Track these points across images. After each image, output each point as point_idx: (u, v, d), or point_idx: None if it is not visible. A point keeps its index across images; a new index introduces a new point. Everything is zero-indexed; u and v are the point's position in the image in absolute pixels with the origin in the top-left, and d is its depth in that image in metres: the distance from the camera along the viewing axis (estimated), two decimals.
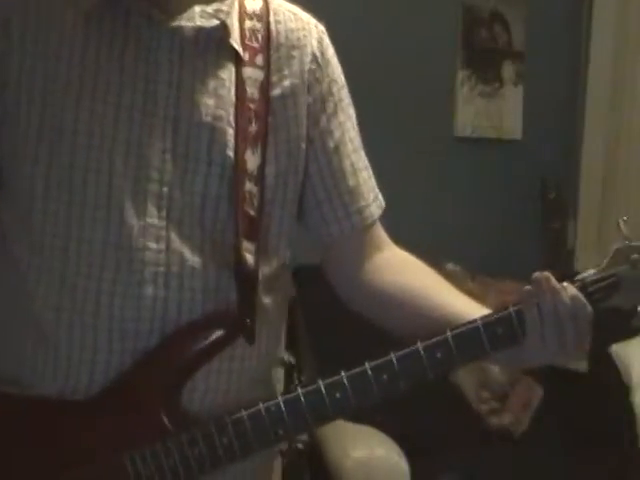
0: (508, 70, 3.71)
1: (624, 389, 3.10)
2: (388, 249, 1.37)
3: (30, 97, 1.18)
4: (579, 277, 1.22)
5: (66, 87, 1.18)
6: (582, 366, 3.23)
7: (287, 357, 2.70)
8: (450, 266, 3.22)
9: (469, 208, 3.61)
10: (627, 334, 3.10)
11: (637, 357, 3.12)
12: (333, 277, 1.36)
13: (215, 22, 1.21)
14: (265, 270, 1.24)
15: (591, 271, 1.22)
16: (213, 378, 1.20)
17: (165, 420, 1.16)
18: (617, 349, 3.18)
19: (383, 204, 1.38)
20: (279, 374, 2.46)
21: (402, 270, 1.34)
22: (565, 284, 1.20)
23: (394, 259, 1.36)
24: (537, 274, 1.20)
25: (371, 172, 1.37)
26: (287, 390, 1.18)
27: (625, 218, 1.22)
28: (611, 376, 3.15)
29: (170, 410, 1.16)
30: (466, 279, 3.22)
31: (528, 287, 1.19)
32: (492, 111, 3.69)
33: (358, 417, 2.66)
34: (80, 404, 1.17)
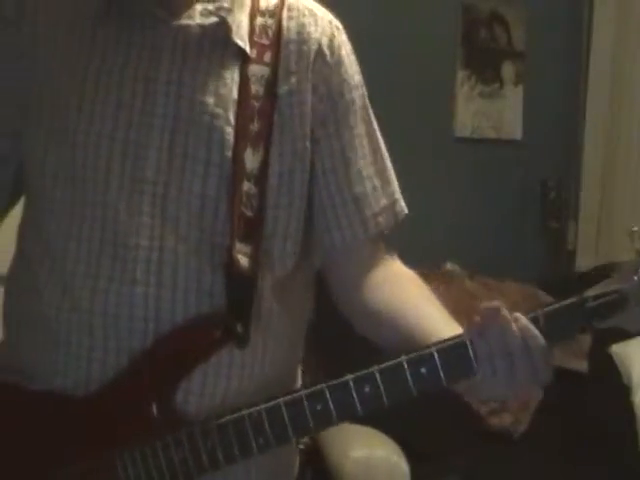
0: (508, 70, 3.71)
1: (624, 389, 3.10)
2: (389, 264, 1.31)
3: (40, 98, 1.21)
4: (584, 295, 1.12)
5: (71, 89, 1.19)
6: (582, 366, 3.23)
7: None
8: (449, 266, 3.22)
9: (469, 208, 3.61)
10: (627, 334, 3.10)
11: (637, 357, 3.12)
12: (333, 290, 1.32)
13: (214, 19, 1.21)
14: (269, 276, 1.21)
15: (596, 286, 1.13)
16: (210, 382, 1.18)
17: (156, 421, 1.16)
18: (617, 349, 3.18)
19: (401, 213, 1.31)
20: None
21: (399, 291, 1.28)
22: (517, 315, 1.12)
23: (393, 277, 1.30)
24: (486, 304, 1.13)
25: (390, 177, 1.31)
26: (269, 397, 1.15)
27: (636, 228, 1.13)
28: (611, 376, 3.15)
29: (162, 411, 1.16)
30: (464, 279, 3.22)
31: (477, 318, 1.13)
32: (492, 111, 3.69)
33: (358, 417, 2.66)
34: (76, 401, 1.18)
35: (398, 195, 1.32)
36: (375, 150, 1.30)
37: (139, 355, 1.17)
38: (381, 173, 1.30)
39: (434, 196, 3.55)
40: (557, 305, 1.13)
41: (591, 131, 3.79)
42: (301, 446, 2.82)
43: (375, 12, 3.37)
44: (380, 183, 1.29)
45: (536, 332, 1.11)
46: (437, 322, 1.22)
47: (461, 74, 3.62)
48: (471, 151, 3.65)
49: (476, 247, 3.53)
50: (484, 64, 3.67)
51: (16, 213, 1.32)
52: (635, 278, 1.11)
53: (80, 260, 1.18)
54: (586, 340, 3.24)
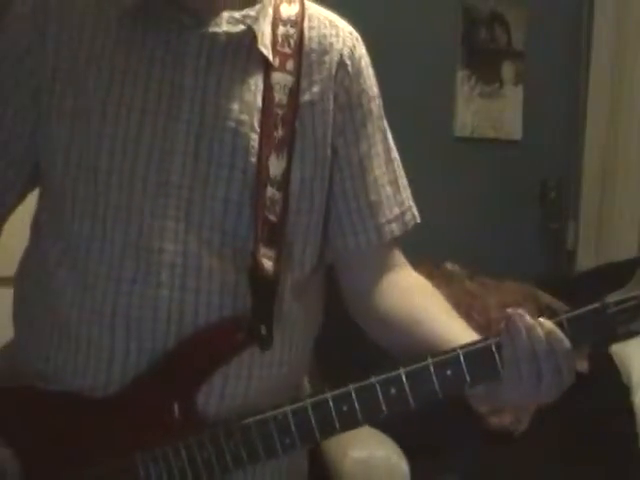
0: (508, 70, 3.71)
1: (624, 389, 3.10)
2: (401, 271, 1.34)
3: (62, 100, 1.21)
4: (605, 301, 1.15)
5: (94, 90, 1.20)
6: (582, 366, 3.23)
7: None
8: (449, 265, 3.22)
9: (469, 208, 3.61)
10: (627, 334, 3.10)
11: (637, 357, 3.12)
12: (345, 295, 1.34)
13: (241, 27, 1.22)
14: (289, 278, 1.23)
15: (617, 292, 1.17)
16: (231, 383, 1.19)
17: (178, 422, 1.16)
18: (617, 349, 3.18)
19: (413, 221, 1.34)
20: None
21: (410, 297, 1.30)
22: (541, 320, 1.15)
23: (405, 283, 1.33)
24: (510, 311, 1.15)
25: (402, 186, 1.34)
26: (294, 399, 1.17)
27: None
28: (611, 376, 3.15)
29: (184, 412, 1.17)
30: (464, 278, 3.22)
31: (502, 325, 1.16)
32: (492, 111, 3.69)
33: None
34: (96, 402, 1.19)
35: (410, 203, 1.35)
36: (389, 159, 1.33)
37: (161, 357, 1.17)
38: (395, 182, 1.33)
39: (434, 196, 3.55)
40: (579, 311, 1.16)
41: (591, 131, 3.79)
42: None
43: (375, 12, 3.37)
44: (393, 191, 1.32)
45: (562, 336, 1.14)
46: (450, 327, 1.24)
47: (461, 74, 3.62)
48: (471, 151, 3.65)
49: (476, 247, 3.53)
50: (484, 64, 3.67)
51: (21, 217, 1.32)
52: None
53: (103, 261, 1.19)
54: None
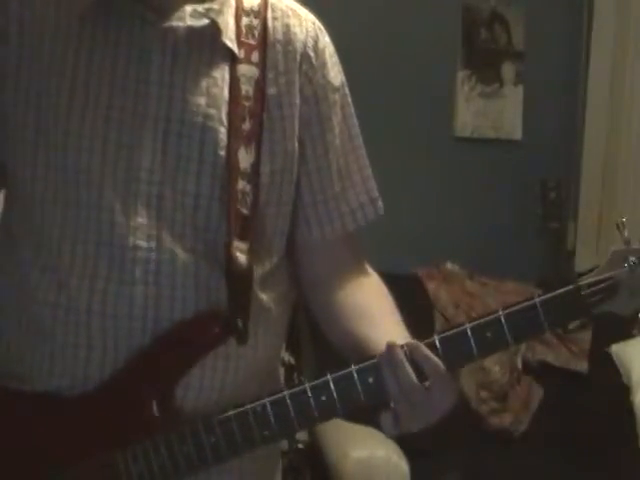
0: (508, 70, 3.71)
1: (624, 389, 3.10)
2: (360, 266, 1.34)
3: (26, 99, 1.20)
4: (579, 283, 1.17)
5: (59, 89, 1.19)
6: (582, 366, 3.23)
7: (287, 358, 2.70)
8: (449, 265, 3.22)
9: (469, 208, 3.62)
10: (627, 334, 3.10)
11: (637, 357, 3.13)
12: (304, 284, 1.34)
13: (205, 21, 1.21)
14: (260, 269, 1.24)
15: (589, 274, 1.18)
16: (208, 376, 1.20)
17: (157, 418, 1.17)
18: (617, 349, 3.18)
19: (377, 212, 1.34)
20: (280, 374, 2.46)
21: (367, 295, 1.32)
22: (411, 342, 1.16)
23: (362, 283, 1.33)
24: (387, 346, 1.16)
25: (368, 176, 1.34)
26: (274, 391, 1.17)
27: (624, 219, 1.17)
28: (611, 376, 3.15)
29: (163, 408, 1.17)
30: (464, 278, 3.22)
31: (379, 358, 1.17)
32: (492, 111, 3.69)
33: (358, 417, 2.67)
34: (74, 401, 1.18)
35: (376, 194, 1.34)
36: (355, 148, 1.33)
37: (139, 353, 1.17)
38: (361, 171, 1.33)
39: (434, 196, 3.56)
40: (554, 293, 1.19)
41: (591, 131, 3.79)
42: (301, 446, 2.82)
43: (375, 12, 3.37)
44: (360, 180, 1.33)
45: (435, 360, 1.15)
46: (391, 332, 1.23)
47: (461, 74, 3.62)
48: (471, 151, 3.65)
49: (476, 247, 3.53)
50: (484, 64, 3.67)
51: None
52: (625, 265, 1.16)
53: (76, 261, 1.18)
54: (586, 340, 3.24)
